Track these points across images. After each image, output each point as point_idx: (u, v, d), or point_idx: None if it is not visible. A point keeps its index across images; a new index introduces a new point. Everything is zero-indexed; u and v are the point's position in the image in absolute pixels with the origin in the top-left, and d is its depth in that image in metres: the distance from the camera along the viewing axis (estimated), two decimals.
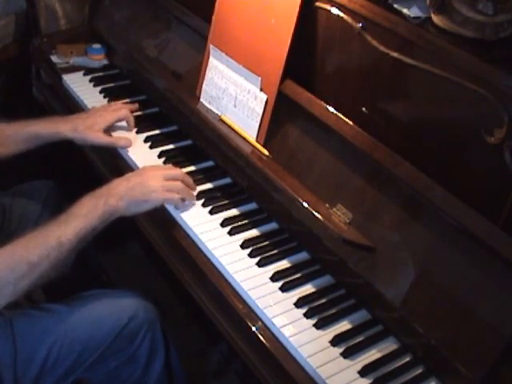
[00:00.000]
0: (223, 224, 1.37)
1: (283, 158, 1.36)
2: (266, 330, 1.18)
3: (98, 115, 1.58)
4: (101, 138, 1.55)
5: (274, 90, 1.36)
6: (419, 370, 1.14)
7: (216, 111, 1.52)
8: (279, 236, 1.37)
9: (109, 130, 1.60)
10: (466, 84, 1.06)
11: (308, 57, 1.35)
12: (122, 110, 1.63)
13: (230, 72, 1.47)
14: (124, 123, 1.64)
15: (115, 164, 1.57)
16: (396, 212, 1.16)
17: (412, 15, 1.18)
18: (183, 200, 1.39)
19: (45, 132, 1.52)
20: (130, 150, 1.58)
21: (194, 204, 1.42)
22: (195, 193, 1.44)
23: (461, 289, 1.06)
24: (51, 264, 1.19)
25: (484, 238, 1.03)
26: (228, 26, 1.46)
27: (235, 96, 1.47)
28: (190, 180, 1.43)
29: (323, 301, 1.23)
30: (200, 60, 1.56)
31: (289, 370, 1.12)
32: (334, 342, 1.15)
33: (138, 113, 1.73)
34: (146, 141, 1.61)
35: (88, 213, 1.25)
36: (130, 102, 1.77)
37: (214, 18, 1.50)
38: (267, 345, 1.16)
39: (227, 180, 1.52)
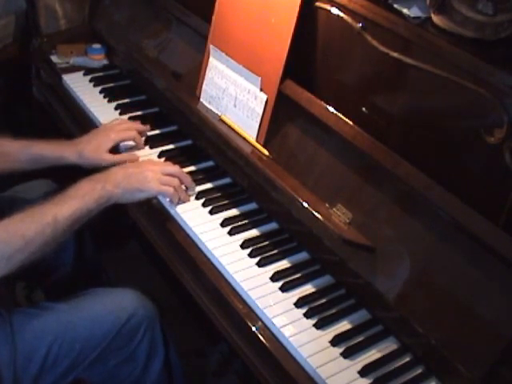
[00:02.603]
0: (223, 224, 1.37)
1: (283, 158, 1.36)
2: (266, 329, 1.18)
3: (104, 135, 1.53)
4: (106, 160, 1.50)
5: (274, 90, 1.36)
6: (419, 370, 1.14)
7: (216, 111, 1.52)
8: (279, 236, 1.37)
9: None
10: (466, 84, 1.06)
11: (308, 57, 1.35)
12: (130, 132, 1.57)
13: (230, 72, 1.47)
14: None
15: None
16: (396, 212, 1.16)
17: (412, 15, 1.18)
18: (178, 196, 1.39)
19: (49, 155, 1.49)
20: (130, 150, 1.58)
21: (189, 201, 1.42)
22: (195, 192, 1.45)
23: (461, 289, 1.06)
24: (46, 240, 1.20)
25: (484, 238, 1.03)
26: (228, 25, 1.46)
27: (235, 96, 1.47)
28: (187, 177, 1.43)
29: (323, 301, 1.23)
30: (200, 60, 1.56)
31: (289, 369, 1.12)
32: (334, 342, 1.15)
33: (138, 113, 1.73)
34: (146, 141, 1.61)
35: (85, 194, 1.27)
36: (130, 102, 1.77)
37: (214, 18, 1.50)
38: (267, 345, 1.16)
39: (227, 180, 1.52)
